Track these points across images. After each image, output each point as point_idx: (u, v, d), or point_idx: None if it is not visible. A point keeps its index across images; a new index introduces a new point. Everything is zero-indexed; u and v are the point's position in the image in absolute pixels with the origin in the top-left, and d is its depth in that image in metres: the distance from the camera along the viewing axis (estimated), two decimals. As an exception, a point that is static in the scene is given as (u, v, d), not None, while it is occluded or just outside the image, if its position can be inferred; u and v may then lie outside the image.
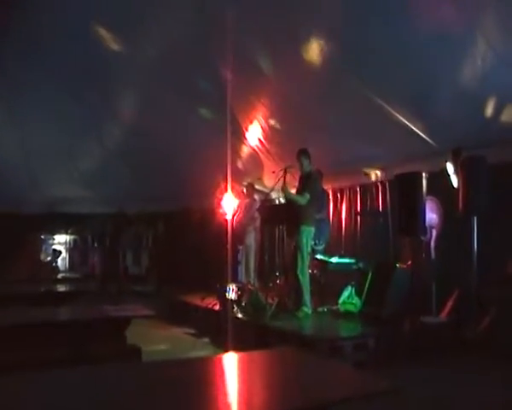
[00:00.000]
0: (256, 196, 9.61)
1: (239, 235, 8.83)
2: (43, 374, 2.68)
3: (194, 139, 9.93)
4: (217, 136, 8.96)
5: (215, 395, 2.49)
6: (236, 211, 9.31)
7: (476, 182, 6.14)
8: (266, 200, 9.11)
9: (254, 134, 9.10)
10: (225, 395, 2.48)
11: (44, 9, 7.74)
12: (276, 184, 7.95)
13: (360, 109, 7.03)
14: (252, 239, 9.07)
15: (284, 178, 7.30)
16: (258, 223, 9.01)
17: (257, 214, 8.93)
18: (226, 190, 9.25)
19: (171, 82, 8.64)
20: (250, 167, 10.20)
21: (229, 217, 9.04)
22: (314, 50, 6.58)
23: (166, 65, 8.29)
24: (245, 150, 9.86)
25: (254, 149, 9.54)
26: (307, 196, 7.11)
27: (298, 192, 7.29)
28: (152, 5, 7.17)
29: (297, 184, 7.49)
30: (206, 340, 7.57)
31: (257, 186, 10.25)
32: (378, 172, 8.36)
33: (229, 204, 9.30)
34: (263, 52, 7.12)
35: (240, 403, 2.32)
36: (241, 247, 9.07)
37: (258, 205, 9.13)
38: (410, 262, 6.97)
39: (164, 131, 10.12)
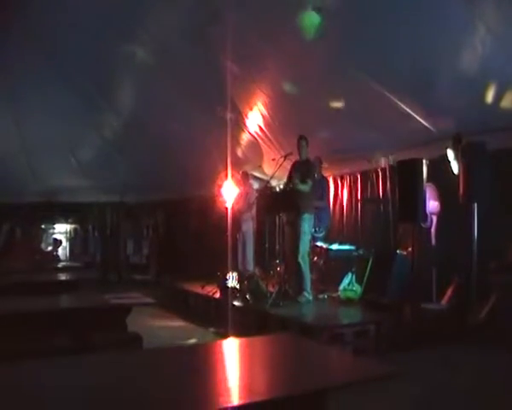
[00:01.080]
0: (254, 184, 9.59)
1: (236, 222, 8.83)
2: (44, 363, 2.69)
3: (194, 128, 9.90)
4: (217, 124, 8.94)
5: (216, 380, 2.50)
6: (235, 199, 9.30)
7: (477, 168, 6.12)
8: (266, 187, 9.09)
9: (254, 122, 9.07)
10: (226, 380, 2.48)
11: (44, 5, 7.71)
12: (275, 172, 7.95)
13: (360, 96, 7.01)
14: (249, 226, 9.07)
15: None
16: (254, 211, 8.99)
17: (253, 202, 8.91)
18: (226, 177, 9.23)
19: (171, 71, 8.60)
20: (250, 155, 10.18)
21: (228, 205, 9.03)
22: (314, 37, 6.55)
23: (165, 54, 8.25)
24: (245, 138, 9.83)
25: (254, 137, 9.51)
26: (310, 182, 7.13)
27: (297, 177, 7.31)
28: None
29: (291, 170, 7.49)
30: (207, 328, 7.59)
31: (256, 174, 10.24)
32: (378, 159, 8.35)
33: (229, 192, 9.29)
34: (262, 39, 7.07)
35: (240, 388, 2.32)
36: (238, 234, 9.05)
37: (254, 193, 9.11)
38: (410, 249, 6.97)
39: (164, 120, 10.08)
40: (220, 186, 9.57)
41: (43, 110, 10.23)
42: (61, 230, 14.56)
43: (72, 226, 14.74)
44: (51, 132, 10.76)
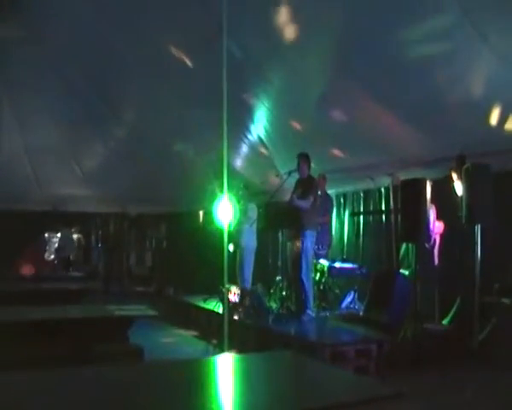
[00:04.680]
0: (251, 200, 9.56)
1: (234, 237, 8.76)
2: (45, 373, 2.70)
3: (198, 141, 9.95)
4: (220, 138, 8.96)
5: (215, 395, 2.50)
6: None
7: (480, 190, 6.14)
8: (269, 203, 9.09)
9: (258, 137, 9.12)
10: (224, 396, 2.49)
11: (47, 10, 7.78)
12: (279, 188, 7.97)
13: (365, 115, 7.05)
14: (247, 241, 9.00)
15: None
16: (254, 226, 8.92)
17: (254, 217, 8.88)
18: (227, 192, 9.19)
19: (176, 83, 8.66)
20: (253, 170, 10.21)
21: (227, 219, 9.00)
22: (316, 54, 6.61)
23: (169, 65, 8.30)
24: (248, 153, 9.87)
25: (257, 151, 9.55)
26: (311, 199, 7.15)
27: (296, 194, 7.33)
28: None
29: (294, 187, 7.53)
30: (208, 342, 7.58)
31: (259, 189, 10.24)
32: (381, 178, 8.37)
33: (228, 206, 9.26)
34: (262, 51, 7.12)
35: (239, 404, 2.33)
36: (237, 250, 8.99)
37: (254, 208, 9.09)
38: (413, 268, 6.97)
39: (168, 133, 10.14)
40: (222, 201, 9.54)
41: (48, 119, 10.31)
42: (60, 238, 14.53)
43: (76, 236, 14.74)
44: (56, 141, 10.84)
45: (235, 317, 7.42)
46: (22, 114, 10.20)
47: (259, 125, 8.89)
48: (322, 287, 7.87)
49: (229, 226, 8.04)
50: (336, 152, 8.27)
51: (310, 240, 7.18)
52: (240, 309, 7.63)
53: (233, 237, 8.61)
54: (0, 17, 7.75)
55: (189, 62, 8.06)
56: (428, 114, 6.50)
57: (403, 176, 7.39)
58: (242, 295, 7.84)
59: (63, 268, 13.41)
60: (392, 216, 8.12)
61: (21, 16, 7.86)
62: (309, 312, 7.09)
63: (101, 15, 7.60)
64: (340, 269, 7.92)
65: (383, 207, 8.48)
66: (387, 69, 6.18)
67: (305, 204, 7.13)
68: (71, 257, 13.93)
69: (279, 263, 8.27)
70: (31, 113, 10.10)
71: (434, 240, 6.94)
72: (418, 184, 6.57)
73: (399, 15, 5.52)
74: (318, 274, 7.96)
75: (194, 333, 8.25)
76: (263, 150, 9.40)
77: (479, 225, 6.21)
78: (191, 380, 2.68)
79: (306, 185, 7.33)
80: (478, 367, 5.55)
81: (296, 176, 7.62)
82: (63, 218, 13.58)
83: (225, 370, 3.08)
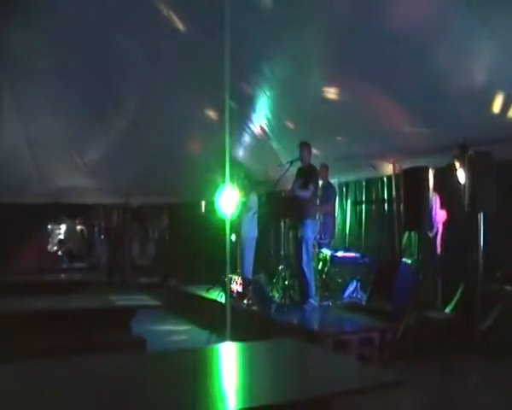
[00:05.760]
0: (258, 190, 9.54)
1: (236, 227, 8.76)
2: (48, 363, 2.70)
3: (200, 132, 9.93)
4: (223, 128, 8.93)
5: (218, 384, 2.51)
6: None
7: (482, 178, 6.11)
8: (271, 193, 9.08)
9: (260, 126, 9.09)
10: (228, 384, 2.49)
11: (49, 4, 7.75)
12: (281, 177, 7.95)
13: (367, 103, 7.01)
14: (248, 231, 9.00)
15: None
16: (255, 216, 8.91)
17: (255, 207, 8.87)
18: (229, 182, 9.19)
19: (178, 73, 8.62)
20: (255, 160, 10.19)
21: (230, 210, 9.01)
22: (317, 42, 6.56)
23: (171, 56, 8.26)
24: (250, 142, 9.84)
25: (260, 141, 9.52)
26: (311, 188, 7.14)
27: (297, 183, 7.32)
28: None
29: (296, 176, 7.51)
30: (211, 331, 7.59)
31: (262, 179, 10.23)
32: (384, 166, 8.34)
33: (231, 197, 9.27)
34: (266, 44, 7.08)
35: (242, 393, 2.33)
36: (237, 240, 9.00)
37: (254, 198, 9.07)
38: (415, 257, 6.95)
39: (170, 124, 10.11)
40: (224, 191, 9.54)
41: (50, 110, 10.25)
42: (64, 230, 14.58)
43: (78, 228, 14.77)
44: (58, 133, 10.80)
45: (239, 306, 7.42)
46: (23, 106, 10.15)
47: (261, 115, 8.85)
48: (324, 276, 7.87)
49: (231, 216, 8.04)
50: (339, 139, 8.23)
51: (310, 229, 7.18)
52: (243, 299, 7.64)
53: (235, 228, 8.62)
54: (3, 10, 7.71)
55: (192, 50, 8.00)
56: (431, 102, 6.46)
57: (405, 164, 7.37)
58: (244, 285, 7.86)
59: (67, 260, 13.46)
60: (395, 205, 8.10)
61: (24, 8, 7.82)
62: (311, 301, 7.11)
63: (103, 5, 7.55)
64: (343, 258, 7.92)
65: (386, 196, 8.46)
66: (390, 56, 6.13)
67: (305, 193, 7.13)
68: (74, 250, 13.97)
69: (281, 253, 8.28)
70: (32, 104, 10.05)
71: (437, 229, 6.93)
72: (421, 173, 6.54)
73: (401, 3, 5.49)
74: (321, 263, 7.96)
75: (197, 323, 8.27)
76: (265, 140, 9.37)
77: (481, 214, 6.18)
78: (194, 369, 2.69)
79: (307, 174, 7.32)
80: (480, 355, 5.55)
81: (298, 165, 7.61)
82: (66, 210, 13.60)
83: (228, 358, 3.08)
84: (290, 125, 8.61)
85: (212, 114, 9.22)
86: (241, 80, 7.75)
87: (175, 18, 7.43)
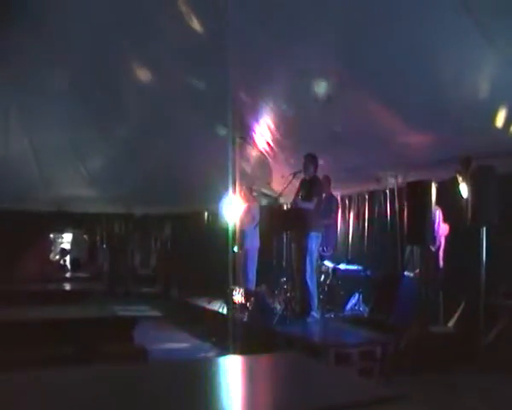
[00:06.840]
0: (262, 201, 9.53)
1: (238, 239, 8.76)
2: (49, 372, 2.70)
3: (204, 141, 9.95)
4: (226, 140, 8.96)
5: (218, 397, 2.50)
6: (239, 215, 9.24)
7: (485, 192, 6.12)
8: (275, 205, 9.09)
9: (263, 138, 9.11)
10: (228, 397, 2.48)
11: (55, 10, 7.81)
12: (284, 189, 7.96)
13: (371, 116, 7.03)
14: (251, 242, 9.00)
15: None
16: (257, 227, 8.90)
17: (256, 218, 8.87)
18: (233, 193, 9.22)
19: (181, 84, 8.67)
20: (259, 171, 10.20)
21: (233, 221, 9.02)
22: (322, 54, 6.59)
23: (175, 67, 8.31)
24: (253, 154, 9.86)
25: (263, 153, 9.54)
26: (315, 200, 7.14)
27: (301, 196, 7.32)
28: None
29: (299, 188, 7.52)
30: (213, 343, 7.57)
31: (265, 191, 10.24)
32: (387, 180, 8.35)
33: (235, 208, 9.28)
34: (270, 53, 7.11)
35: (242, 406, 2.32)
36: (240, 251, 8.98)
37: (258, 210, 9.07)
38: (418, 271, 6.94)
39: (174, 134, 10.14)
40: (227, 202, 9.56)
41: (54, 120, 10.31)
42: (70, 239, 14.58)
43: (81, 237, 14.77)
44: (62, 142, 10.85)
45: (240, 318, 7.40)
46: (28, 115, 10.21)
47: (264, 126, 8.86)
48: (326, 289, 7.86)
49: (234, 227, 8.04)
50: (342, 153, 8.24)
51: (314, 242, 7.16)
52: (244, 310, 7.63)
53: (237, 239, 8.61)
54: (6, 16, 7.77)
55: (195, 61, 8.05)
56: (434, 116, 6.47)
57: (408, 178, 7.37)
58: (246, 297, 7.84)
59: (69, 269, 13.46)
60: (398, 218, 8.10)
61: (26, 15, 7.87)
62: (313, 313, 7.08)
63: (110, 16, 7.61)
64: (345, 271, 7.91)
65: (388, 209, 8.45)
66: (392, 70, 6.15)
67: (309, 206, 7.12)
68: (76, 259, 13.97)
69: (283, 264, 8.26)
70: (36, 113, 10.11)
71: (440, 242, 6.92)
72: (424, 186, 6.56)
73: (406, 17, 5.51)
74: (323, 276, 7.94)
75: (199, 334, 8.24)
76: (268, 151, 9.38)
77: (484, 228, 6.18)
78: (195, 381, 2.67)
79: (311, 186, 7.32)
80: (483, 370, 5.52)
81: (301, 176, 7.61)
82: (68, 218, 13.62)
83: (230, 371, 3.07)
84: (293, 136, 8.62)
85: (215, 124, 9.25)
86: (243, 91, 7.79)
87: (178, 28, 7.49)
